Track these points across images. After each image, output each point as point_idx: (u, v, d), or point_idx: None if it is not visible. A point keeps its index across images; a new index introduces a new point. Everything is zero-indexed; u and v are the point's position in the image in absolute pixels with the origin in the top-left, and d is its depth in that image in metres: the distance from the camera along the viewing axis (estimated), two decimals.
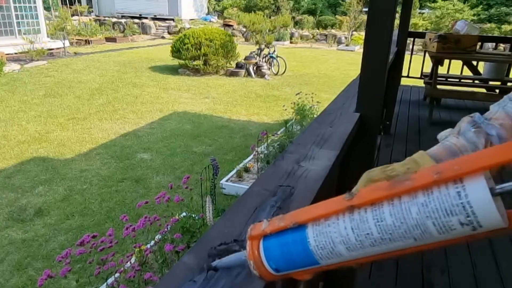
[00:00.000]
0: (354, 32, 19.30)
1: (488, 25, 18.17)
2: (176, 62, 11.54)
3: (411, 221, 0.34)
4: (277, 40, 17.06)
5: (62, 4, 19.67)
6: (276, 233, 0.40)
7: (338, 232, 0.37)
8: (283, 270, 0.41)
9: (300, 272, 0.41)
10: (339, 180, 1.38)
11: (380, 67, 1.32)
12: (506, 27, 17.63)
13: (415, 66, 5.28)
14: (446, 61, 4.90)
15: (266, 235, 0.41)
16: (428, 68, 5.10)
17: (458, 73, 5.42)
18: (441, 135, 0.56)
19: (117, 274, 2.27)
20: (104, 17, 21.20)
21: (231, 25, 20.24)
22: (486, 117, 0.54)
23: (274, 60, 11.69)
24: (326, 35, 20.02)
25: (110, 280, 2.30)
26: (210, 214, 2.97)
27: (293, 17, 20.90)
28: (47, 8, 17.74)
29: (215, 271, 0.51)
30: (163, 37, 19.21)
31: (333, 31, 20.51)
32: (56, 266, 3.10)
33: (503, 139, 0.55)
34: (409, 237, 0.34)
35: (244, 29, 15.46)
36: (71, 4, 19.82)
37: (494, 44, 6.84)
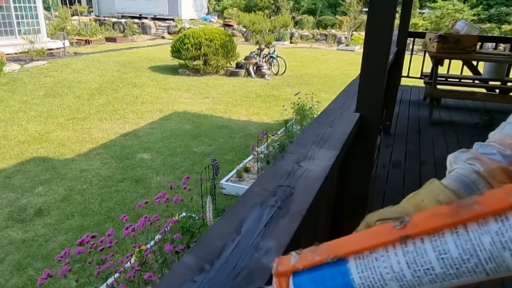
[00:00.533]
0: (354, 32, 19.30)
1: (488, 25, 18.17)
2: (176, 62, 11.54)
3: (483, 253, 0.28)
4: (277, 40, 17.07)
5: (62, 4, 19.67)
6: (309, 269, 0.33)
7: (389, 267, 0.30)
8: None
9: None
10: (339, 180, 1.38)
11: (380, 67, 1.32)
12: (506, 27, 17.63)
13: (415, 66, 5.28)
14: (446, 61, 4.90)
15: (297, 271, 0.34)
16: (428, 68, 5.10)
17: (458, 73, 5.42)
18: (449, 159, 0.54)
19: (116, 274, 2.27)
20: (104, 17, 21.20)
21: (231, 25, 20.24)
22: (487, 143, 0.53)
23: (274, 60, 11.69)
24: (326, 35, 20.02)
25: (110, 280, 2.30)
26: (210, 214, 2.97)
27: (293, 17, 20.89)
28: (47, 8, 17.74)
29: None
30: (163, 37, 19.21)
31: (333, 31, 20.51)
32: (56, 266, 3.10)
33: (507, 157, 0.52)
34: (480, 271, 0.29)
35: (244, 29, 15.46)
36: (71, 4, 19.82)
37: (494, 44, 6.85)
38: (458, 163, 0.51)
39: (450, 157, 0.54)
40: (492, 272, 0.28)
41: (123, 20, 20.31)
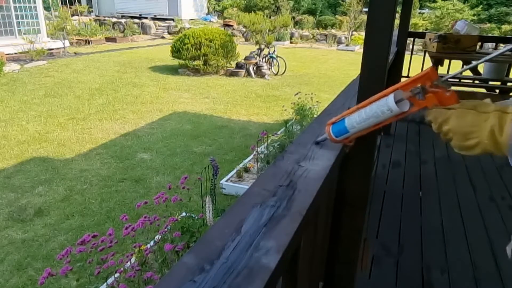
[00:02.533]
0: (354, 32, 19.30)
1: (488, 25, 18.18)
2: (176, 62, 11.54)
3: (373, 110, 0.81)
4: (277, 40, 17.07)
5: (62, 4, 19.67)
6: (335, 122, 0.92)
7: (353, 118, 0.86)
8: (337, 136, 0.91)
9: (345, 139, 0.91)
10: (339, 180, 1.38)
11: (380, 67, 1.32)
12: (506, 27, 17.64)
13: (415, 66, 5.27)
14: (446, 61, 4.90)
15: (334, 122, 0.92)
16: None
17: None
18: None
19: (117, 274, 2.27)
20: (104, 17, 21.21)
21: (231, 25, 20.24)
22: None
23: (274, 60, 11.69)
24: (326, 35, 20.02)
25: (110, 280, 2.30)
26: (210, 214, 2.97)
27: (293, 17, 20.90)
28: (47, 8, 17.75)
29: (318, 144, 1.04)
30: (163, 37, 19.22)
31: (333, 31, 20.51)
32: (56, 266, 3.10)
33: None
34: (373, 117, 0.81)
35: (244, 29, 15.46)
36: (71, 4, 19.82)
37: (494, 44, 6.84)
38: None
39: None
40: (376, 117, 0.81)
41: (123, 20, 20.31)
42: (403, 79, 4.77)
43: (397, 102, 0.75)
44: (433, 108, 0.74)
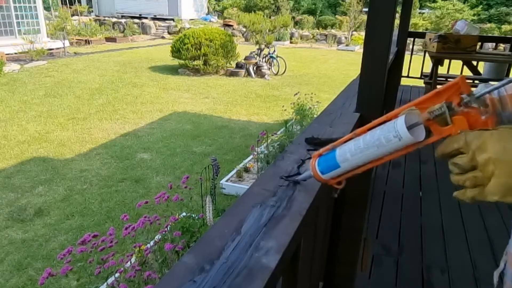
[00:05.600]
0: (354, 32, 19.30)
1: (488, 25, 18.18)
2: (176, 62, 11.53)
3: (376, 136, 0.58)
4: (277, 40, 17.07)
5: (62, 4, 19.67)
6: (324, 154, 0.69)
7: (347, 147, 0.63)
8: (324, 172, 0.68)
9: (332, 179, 0.68)
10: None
11: (380, 67, 1.32)
12: (506, 27, 17.63)
13: (415, 66, 5.28)
14: (446, 61, 4.90)
15: (321, 154, 0.69)
16: (428, 68, 5.10)
17: (458, 73, 5.42)
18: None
19: (117, 274, 2.27)
20: (104, 17, 21.21)
21: (231, 25, 20.24)
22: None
23: (274, 60, 11.69)
24: (326, 35, 20.01)
25: (110, 280, 2.30)
26: (210, 214, 2.97)
27: (293, 17, 20.89)
28: (47, 8, 17.74)
29: (298, 183, 0.83)
30: (163, 37, 19.21)
31: (333, 31, 20.51)
32: (56, 266, 3.10)
33: (501, 94, 0.69)
34: (375, 145, 0.58)
35: (244, 29, 15.45)
36: (71, 4, 19.82)
37: (494, 44, 6.84)
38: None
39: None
40: (378, 145, 0.58)
41: (123, 20, 20.31)
42: (403, 80, 4.78)
43: (412, 127, 0.53)
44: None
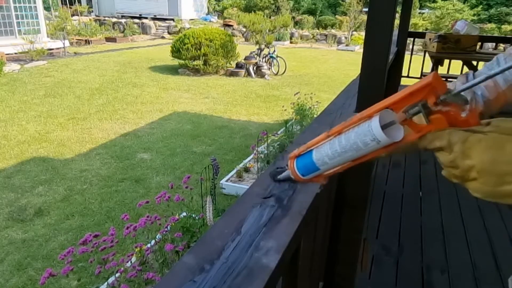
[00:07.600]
0: (354, 32, 19.30)
1: (488, 25, 18.18)
2: (176, 62, 11.54)
3: (351, 141, 0.55)
4: (277, 40, 17.07)
5: (62, 4, 19.67)
6: (301, 155, 0.66)
7: (324, 151, 0.61)
8: (304, 174, 0.66)
9: (315, 178, 0.66)
10: (339, 180, 1.38)
11: (380, 67, 1.32)
12: (506, 27, 17.63)
13: (415, 66, 5.27)
14: (446, 61, 4.90)
15: (297, 155, 0.67)
16: (428, 68, 5.10)
17: (458, 73, 5.42)
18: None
19: (117, 274, 2.27)
20: (104, 17, 21.21)
21: (231, 25, 20.24)
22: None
23: (274, 60, 11.69)
24: (326, 35, 20.02)
25: (111, 280, 2.30)
26: (210, 214, 2.97)
27: (293, 17, 20.89)
28: (47, 8, 17.74)
29: (279, 182, 0.83)
30: (163, 37, 19.21)
31: (333, 31, 20.51)
32: (56, 266, 3.10)
33: (486, 98, 0.68)
34: (352, 149, 0.55)
35: (244, 29, 15.45)
36: (71, 4, 19.82)
37: (494, 44, 6.84)
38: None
39: (457, 83, 0.68)
40: (356, 149, 0.55)
41: (123, 20, 20.31)
42: (403, 80, 4.77)
43: (386, 126, 0.51)
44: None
